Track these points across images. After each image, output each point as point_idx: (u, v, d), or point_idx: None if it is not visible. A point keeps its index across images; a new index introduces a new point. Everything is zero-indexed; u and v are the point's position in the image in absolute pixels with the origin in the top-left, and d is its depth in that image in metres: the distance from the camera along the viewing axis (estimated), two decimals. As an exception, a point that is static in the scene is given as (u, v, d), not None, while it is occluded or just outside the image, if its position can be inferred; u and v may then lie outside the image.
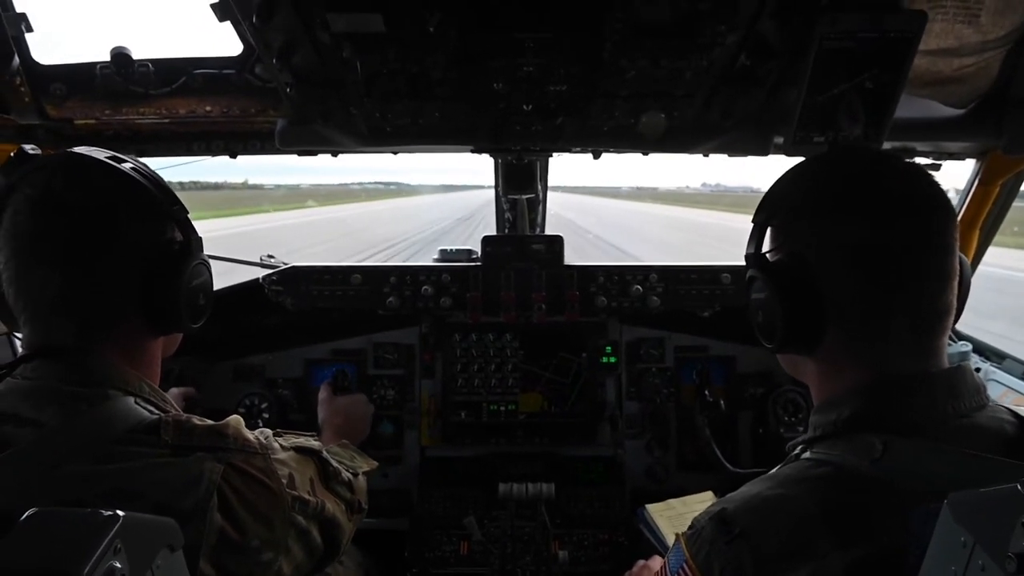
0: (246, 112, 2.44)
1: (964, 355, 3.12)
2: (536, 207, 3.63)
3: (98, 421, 1.46)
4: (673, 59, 1.94)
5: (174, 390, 2.87)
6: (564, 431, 3.41)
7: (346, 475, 1.98)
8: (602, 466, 3.39)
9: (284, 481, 1.63)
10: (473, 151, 2.66)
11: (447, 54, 1.92)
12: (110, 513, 1.06)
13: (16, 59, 2.27)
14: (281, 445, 1.74)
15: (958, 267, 1.45)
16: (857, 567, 1.22)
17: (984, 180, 2.67)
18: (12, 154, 1.60)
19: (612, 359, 3.45)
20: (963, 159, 2.70)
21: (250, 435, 1.63)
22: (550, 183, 3.66)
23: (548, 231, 3.73)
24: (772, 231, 1.59)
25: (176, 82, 2.37)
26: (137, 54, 2.34)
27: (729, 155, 2.48)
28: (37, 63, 2.34)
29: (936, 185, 1.46)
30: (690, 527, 1.49)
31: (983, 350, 3.27)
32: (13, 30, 2.20)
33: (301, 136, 2.37)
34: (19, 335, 1.62)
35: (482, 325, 3.38)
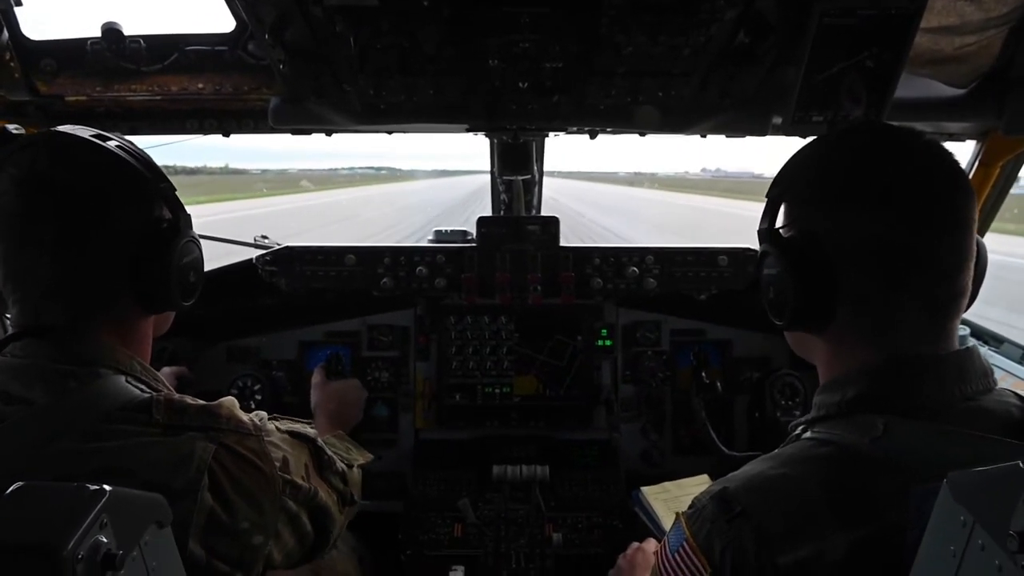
0: (239, 90, 2.41)
1: (963, 339, 3.12)
2: (532, 188, 3.61)
3: (88, 399, 1.45)
4: (671, 35, 1.91)
5: (166, 369, 2.86)
6: (559, 414, 3.40)
7: (340, 466, 1.97)
8: (597, 449, 3.39)
9: (277, 464, 1.62)
10: (468, 130, 2.63)
11: (441, 28, 1.89)
12: (96, 487, 1.05)
13: (5, 34, 2.24)
14: (276, 427, 1.73)
15: (975, 249, 1.42)
16: (859, 547, 1.21)
17: (984, 161, 2.66)
18: None
19: (608, 342, 3.44)
20: (963, 140, 2.68)
21: (244, 416, 1.62)
22: (545, 168, 3.65)
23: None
24: (786, 207, 1.56)
25: (168, 59, 2.34)
26: (128, 30, 2.31)
27: (727, 135, 2.45)
28: (27, 38, 2.31)
29: (956, 163, 1.44)
30: (691, 506, 1.47)
31: (981, 334, 3.27)
32: (2, 4, 2.17)
33: (294, 114, 2.35)
34: (8, 315, 1.60)
35: (477, 307, 3.37)
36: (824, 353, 1.54)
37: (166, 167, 1.68)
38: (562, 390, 3.40)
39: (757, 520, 1.31)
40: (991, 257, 1.59)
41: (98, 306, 1.58)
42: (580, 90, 2.18)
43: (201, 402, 1.56)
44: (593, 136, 2.65)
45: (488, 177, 3.77)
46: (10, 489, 1.04)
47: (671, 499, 2.93)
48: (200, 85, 2.39)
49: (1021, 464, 0.92)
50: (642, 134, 2.59)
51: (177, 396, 1.55)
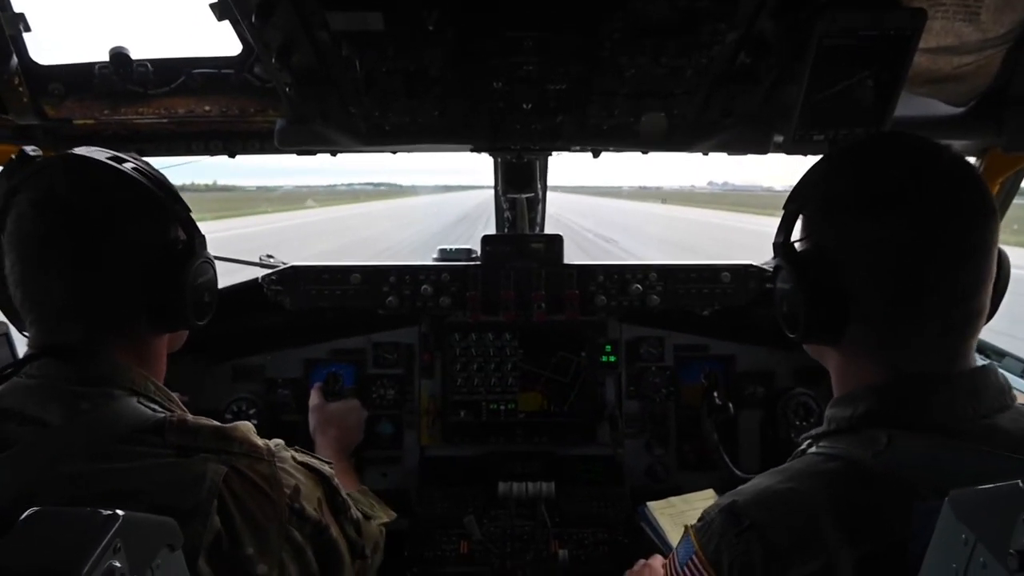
0: (245, 112, 2.43)
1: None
2: (536, 206, 3.63)
3: (101, 421, 1.46)
4: (673, 57, 1.93)
5: None
6: (564, 430, 3.40)
7: (356, 514, 1.93)
8: (602, 465, 3.38)
9: (287, 491, 1.61)
10: (472, 150, 2.65)
11: (445, 52, 1.91)
12: (110, 512, 1.05)
13: (14, 59, 2.26)
14: (292, 456, 1.72)
15: (995, 269, 1.42)
16: (866, 563, 1.22)
17: (984, 178, 2.65)
18: (13, 156, 1.61)
19: (612, 358, 3.44)
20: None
21: (259, 441, 1.62)
22: (548, 183, 3.66)
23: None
24: (803, 220, 1.56)
25: (175, 82, 2.37)
26: (136, 54, 2.34)
27: (729, 153, 2.47)
28: (35, 63, 2.33)
29: (981, 182, 1.42)
30: (700, 519, 1.48)
31: (983, 348, 3.27)
32: (11, 30, 2.20)
33: (300, 136, 2.37)
34: (26, 334, 1.63)
35: (481, 324, 3.37)
36: (837, 365, 1.55)
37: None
38: (566, 406, 3.40)
39: (765, 534, 1.32)
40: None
41: (113, 326, 1.59)
42: (583, 111, 2.20)
43: (215, 423, 1.57)
44: (596, 155, 2.67)
45: (490, 192, 3.79)
46: (24, 515, 1.04)
47: (677, 514, 2.93)
48: (207, 107, 2.41)
49: (1021, 484, 0.93)
50: (644, 152, 2.62)
51: (191, 417, 1.56)
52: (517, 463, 3.33)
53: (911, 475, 1.26)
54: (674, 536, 2.78)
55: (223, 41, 2.34)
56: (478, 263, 3.33)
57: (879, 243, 1.38)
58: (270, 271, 3.28)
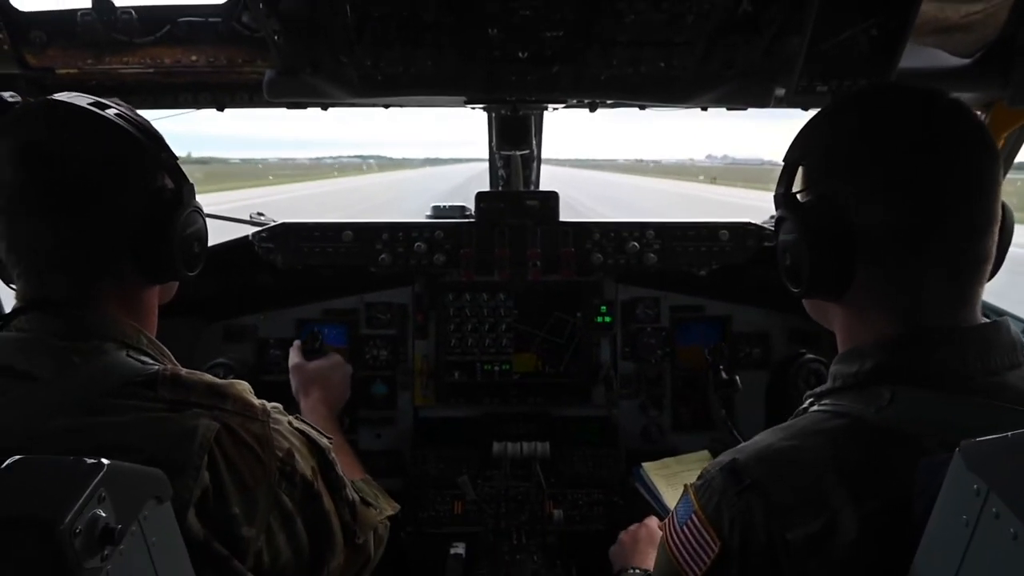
0: (233, 62, 2.37)
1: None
2: (530, 163, 3.59)
3: (92, 374, 1.44)
4: (674, 2, 1.88)
5: None
6: (558, 391, 3.39)
7: (351, 495, 1.86)
8: (597, 426, 3.38)
9: (279, 454, 1.57)
10: (466, 102, 2.60)
11: None
12: (94, 461, 1.04)
13: None
14: (290, 422, 1.69)
15: (999, 214, 1.40)
16: (871, 520, 1.19)
17: (990, 133, 2.61)
18: None
19: (607, 319, 3.42)
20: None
21: (255, 400, 1.59)
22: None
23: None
24: (803, 171, 1.54)
25: (160, 31, 2.30)
26: (120, 1, 2.27)
27: (728, 107, 2.42)
28: (15, 9, 2.26)
29: (980, 123, 1.42)
30: (699, 477, 1.46)
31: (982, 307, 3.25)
32: (-12, -25, 2.13)
33: (290, 87, 2.31)
34: (13, 286, 1.61)
35: (476, 284, 3.34)
36: (842, 321, 1.51)
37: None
38: (561, 367, 3.39)
39: (767, 492, 1.30)
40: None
41: (102, 277, 1.57)
42: (580, 60, 2.15)
43: (210, 379, 1.54)
44: (593, 109, 2.62)
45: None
46: (7, 462, 1.03)
47: (672, 475, 2.94)
48: (193, 57, 2.35)
49: None
50: (642, 107, 2.56)
51: (185, 371, 1.53)
52: (512, 424, 3.32)
53: (916, 430, 1.24)
54: (669, 497, 2.79)
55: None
56: (472, 220, 3.29)
57: (883, 188, 1.36)
58: (261, 228, 3.24)
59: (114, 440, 1.34)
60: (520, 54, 2.09)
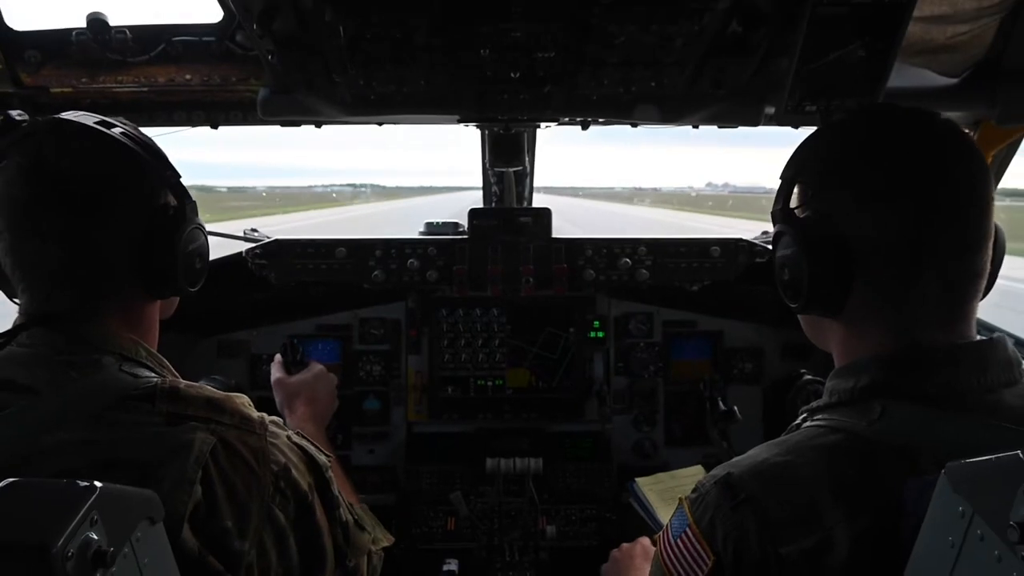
0: (227, 81, 2.38)
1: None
2: (523, 180, 3.60)
3: (91, 388, 1.45)
4: (663, 24, 1.89)
5: None
6: (552, 406, 3.40)
7: (346, 515, 1.83)
8: (590, 441, 3.39)
9: (274, 468, 1.56)
10: (459, 121, 2.62)
11: (431, 18, 1.87)
12: (87, 484, 1.04)
13: None
14: (288, 436, 1.68)
15: (992, 230, 1.41)
16: (863, 537, 1.20)
17: (981, 151, 2.62)
18: None
19: (600, 334, 3.43)
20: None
21: (253, 414, 1.59)
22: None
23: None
24: (800, 188, 1.55)
25: (155, 50, 2.31)
26: (114, 20, 2.28)
27: (719, 125, 2.45)
28: (10, 29, 2.27)
29: (971, 141, 1.47)
30: (694, 490, 1.46)
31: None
32: (-16, -5, 2.14)
33: (284, 105, 2.32)
34: (17, 301, 1.62)
35: (469, 300, 3.36)
36: (839, 337, 1.52)
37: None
38: (555, 382, 3.40)
39: (761, 507, 1.30)
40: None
41: (104, 292, 1.58)
42: (571, 80, 2.16)
43: (209, 392, 1.55)
44: (585, 127, 2.64)
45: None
46: None
47: (665, 490, 2.94)
48: (188, 76, 2.36)
49: (1021, 454, 0.91)
50: (634, 125, 2.58)
51: (184, 384, 1.54)
52: (505, 439, 3.32)
53: (908, 445, 1.25)
54: (662, 512, 2.79)
55: (204, 7, 2.28)
56: (465, 237, 3.30)
57: (879, 204, 1.38)
58: (254, 245, 3.24)
59: (111, 455, 1.35)
60: (512, 74, 2.09)
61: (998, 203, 1.46)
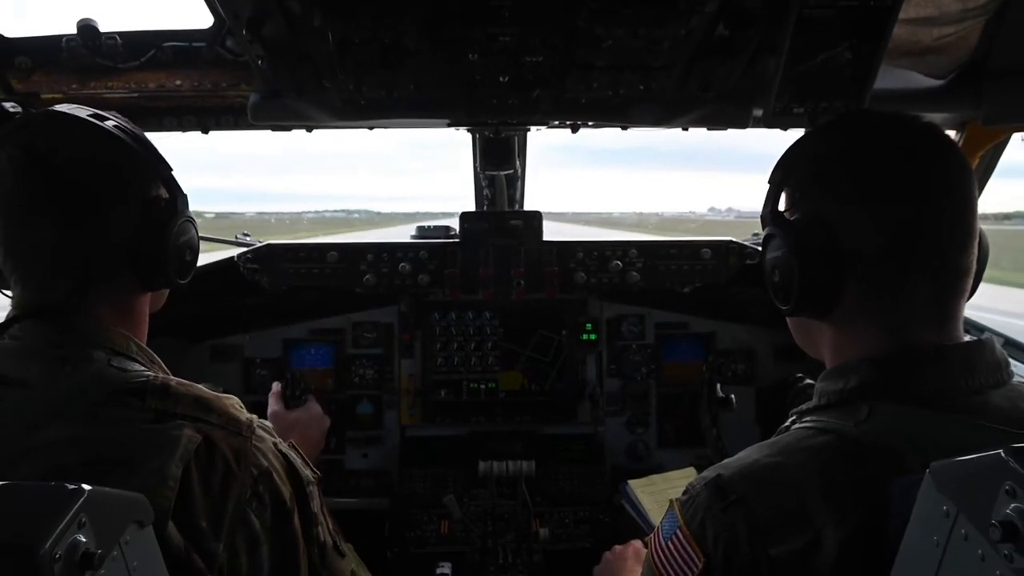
0: (218, 86, 2.38)
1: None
2: (514, 183, 3.61)
3: (82, 384, 1.44)
4: (650, 28, 1.90)
5: None
6: (544, 409, 3.41)
7: (325, 537, 1.73)
8: (583, 444, 3.39)
9: (254, 472, 1.52)
10: (449, 125, 2.62)
11: (421, 22, 1.88)
12: (75, 487, 1.03)
13: None
14: (275, 444, 1.64)
15: (977, 228, 1.43)
16: (852, 538, 1.20)
17: (963, 151, 2.64)
18: None
19: (592, 336, 3.44)
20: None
21: (241, 416, 1.57)
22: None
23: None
24: (788, 192, 1.57)
25: (145, 55, 2.31)
26: (105, 26, 2.28)
27: (708, 128, 2.46)
28: (1, 36, 2.28)
29: (952, 141, 1.48)
30: (684, 492, 1.46)
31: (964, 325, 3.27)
32: (-26, 2, 2.14)
33: (274, 111, 2.32)
34: (8, 292, 1.62)
35: (461, 303, 3.36)
36: (829, 339, 1.53)
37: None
38: (547, 385, 3.40)
39: (751, 509, 1.30)
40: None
41: (96, 285, 1.58)
42: (560, 84, 2.17)
43: (199, 390, 1.54)
44: (575, 130, 2.64)
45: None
46: None
47: (658, 492, 2.94)
48: (178, 82, 2.36)
49: (1003, 453, 0.92)
50: (624, 127, 2.59)
51: (175, 381, 1.53)
52: (498, 442, 3.33)
53: (895, 445, 1.25)
54: (655, 514, 2.79)
55: (194, 13, 2.28)
56: (457, 240, 3.31)
57: (867, 204, 1.40)
58: (246, 249, 3.25)
59: (101, 452, 1.35)
60: (501, 78, 2.10)
61: (1002, 228, 1.47)
